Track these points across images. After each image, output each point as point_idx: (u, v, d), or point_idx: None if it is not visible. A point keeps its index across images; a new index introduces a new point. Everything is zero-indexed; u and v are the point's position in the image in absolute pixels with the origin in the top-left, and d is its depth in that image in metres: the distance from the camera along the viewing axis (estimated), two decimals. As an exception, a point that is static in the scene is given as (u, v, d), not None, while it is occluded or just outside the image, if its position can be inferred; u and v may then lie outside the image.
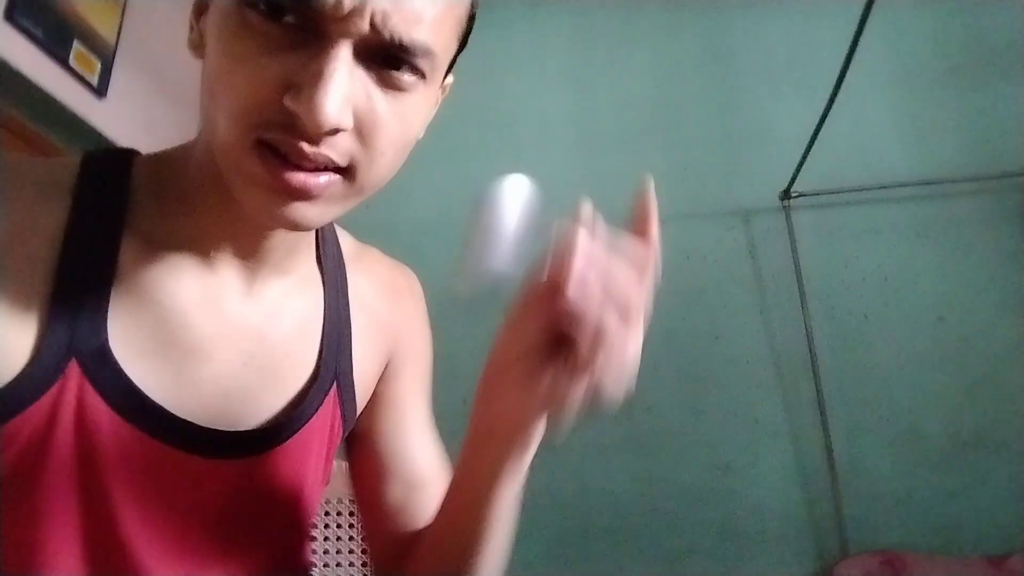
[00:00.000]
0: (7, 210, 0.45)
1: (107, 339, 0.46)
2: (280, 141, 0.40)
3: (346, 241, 0.66)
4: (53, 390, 0.43)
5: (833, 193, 2.39)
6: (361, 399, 0.63)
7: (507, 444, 0.46)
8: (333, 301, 0.60)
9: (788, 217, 2.39)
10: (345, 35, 0.39)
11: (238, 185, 0.43)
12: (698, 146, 2.55)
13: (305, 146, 0.40)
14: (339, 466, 0.73)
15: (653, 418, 2.31)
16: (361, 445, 0.66)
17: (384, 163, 0.44)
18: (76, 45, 1.90)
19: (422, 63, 0.42)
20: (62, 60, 1.86)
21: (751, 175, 2.48)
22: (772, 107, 2.55)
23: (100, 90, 1.98)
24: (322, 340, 0.58)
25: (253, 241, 0.52)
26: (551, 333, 0.42)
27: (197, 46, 0.47)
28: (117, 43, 2.06)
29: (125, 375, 0.46)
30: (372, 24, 0.39)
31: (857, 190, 2.39)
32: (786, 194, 2.37)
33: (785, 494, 2.23)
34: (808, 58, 2.56)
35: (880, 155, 2.44)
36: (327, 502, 1.25)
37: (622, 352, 0.40)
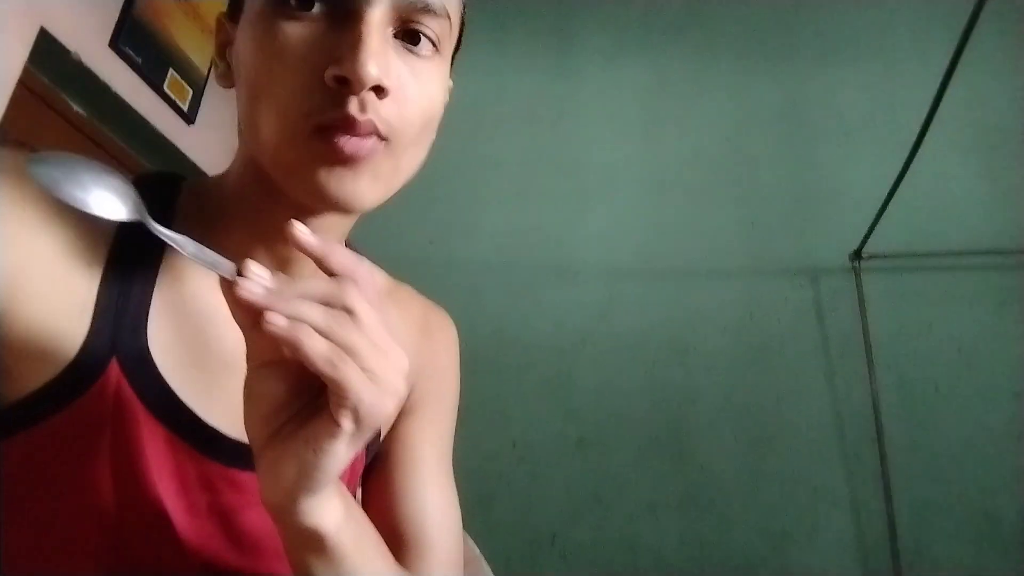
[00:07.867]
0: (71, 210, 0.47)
1: (147, 342, 0.48)
2: (333, 118, 0.43)
3: (380, 274, 0.66)
4: (95, 388, 0.45)
5: (907, 256, 2.31)
6: (384, 429, 0.63)
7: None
8: None
9: (858, 279, 2.31)
10: (373, 2, 0.43)
11: (299, 168, 0.45)
12: (767, 201, 2.50)
13: (355, 112, 0.43)
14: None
15: (707, 477, 2.23)
16: (371, 484, 0.63)
17: (413, 133, 0.48)
18: (171, 73, 2.00)
19: (438, 28, 0.47)
20: (157, 87, 1.95)
21: (821, 234, 2.42)
22: (846, 165, 2.49)
23: (190, 117, 2.07)
24: None
25: (287, 250, 0.53)
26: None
27: (225, 75, 0.52)
28: (208, 74, 2.16)
29: (162, 378, 0.47)
30: None
31: (933, 255, 2.30)
32: (857, 255, 2.30)
33: (843, 569, 2.11)
34: (885, 116, 2.50)
35: (959, 220, 2.35)
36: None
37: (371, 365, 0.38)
